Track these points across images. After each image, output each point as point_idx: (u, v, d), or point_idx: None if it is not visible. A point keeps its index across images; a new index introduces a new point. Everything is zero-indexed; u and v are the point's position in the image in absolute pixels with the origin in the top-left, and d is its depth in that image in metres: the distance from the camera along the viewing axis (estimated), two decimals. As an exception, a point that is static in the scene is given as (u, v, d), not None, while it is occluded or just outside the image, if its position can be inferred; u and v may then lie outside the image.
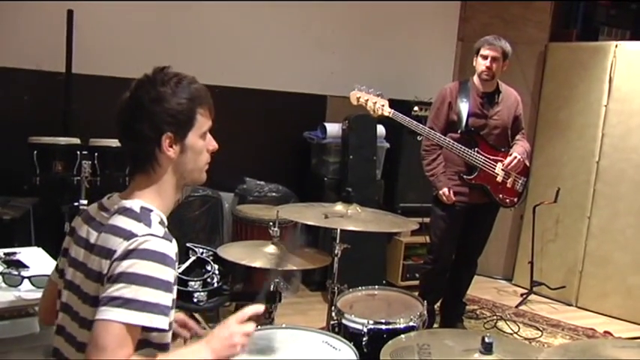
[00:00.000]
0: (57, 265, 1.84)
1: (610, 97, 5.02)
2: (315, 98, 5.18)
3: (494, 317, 4.68)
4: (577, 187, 5.18)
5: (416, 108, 5.00)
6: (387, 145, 5.05)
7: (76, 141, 3.76)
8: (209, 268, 3.50)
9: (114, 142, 3.60)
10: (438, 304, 4.38)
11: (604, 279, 5.08)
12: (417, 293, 4.29)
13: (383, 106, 3.65)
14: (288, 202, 4.70)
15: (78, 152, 3.65)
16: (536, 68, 5.59)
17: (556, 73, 5.43)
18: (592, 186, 5.11)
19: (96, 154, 3.68)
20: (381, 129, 4.95)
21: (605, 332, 4.66)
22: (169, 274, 1.56)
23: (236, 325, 1.73)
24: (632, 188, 4.92)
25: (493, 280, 5.65)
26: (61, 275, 1.76)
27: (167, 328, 1.57)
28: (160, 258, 1.55)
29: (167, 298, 1.55)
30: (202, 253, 3.57)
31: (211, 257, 3.56)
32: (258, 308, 1.80)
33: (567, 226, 5.27)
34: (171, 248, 1.59)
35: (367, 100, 3.65)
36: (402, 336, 2.32)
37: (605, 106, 5.04)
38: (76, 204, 3.41)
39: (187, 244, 3.83)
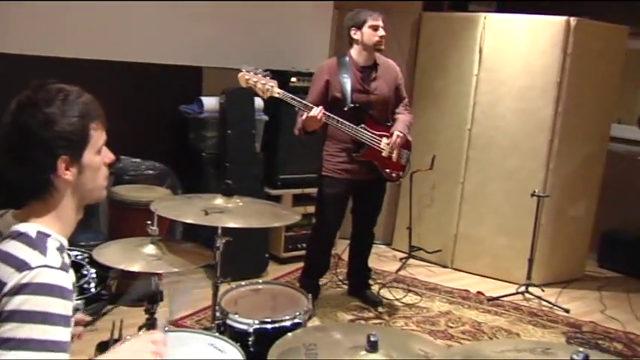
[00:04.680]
0: None
1: (480, 66, 5.20)
2: (190, 70, 4.99)
3: (377, 285, 4.81)
4: (451, 153, 5.36)
5: (294, 79, 4.94)
6: (266, 117, 4.99)
7: None
8: (85, 272, 3.31)
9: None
10: (346, 274, 4.64)
11: (476, 241, 5.33)
12: (302, 265, 4.47)
13: (272, 86, 3.62)
14: (165, 179, 4.58)
15: None
16: (411, 37, 5.67)
17: (430, 42, 5.55)
18: (465, 153, 5.31)
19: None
20: (259, 102, 4.87)
21: (478, 292, 4.91)
22: (68, 307, 1.45)
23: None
24: (501, 154, 5.16)
25: (374, 246, 5.74)
26: None
27: None
28: (56, 291, 1.43)
29: (66, 334, 1.45)
30: (77, 257, 3.39)
31: (87, 260, 3.38)
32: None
33: (443, 192, 5.47)
34: (67, 279, 1.48)
35: (256, 81, 3.61)
36: (290, 334, 2.31)
37: (476, 75, 5.22)
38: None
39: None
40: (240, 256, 4.23)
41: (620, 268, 5.79)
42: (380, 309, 4.41)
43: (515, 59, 5.08)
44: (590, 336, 4.32)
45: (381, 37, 3.93)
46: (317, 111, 3.72)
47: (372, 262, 5.20)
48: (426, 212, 5.56)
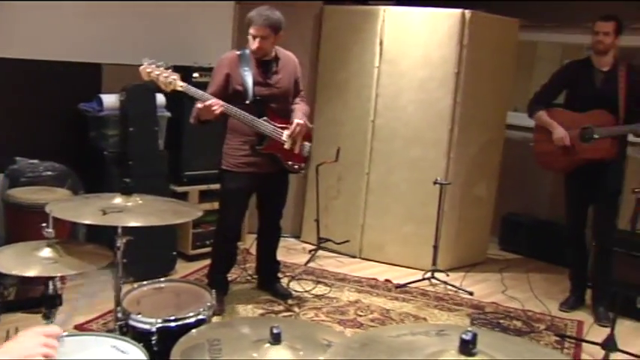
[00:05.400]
0: None
1: (381, 58, 5.30)
2: (88, 67, 4.85)
3: (286, 277, 4.83)
4: (355, 145, 5.44)
5: (196, 74, 4.88)
6: (169, 114, 4.91)
7: None
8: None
9: None
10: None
11: (383, 230, 5.44)
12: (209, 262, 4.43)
13: (175, 79, 3.58)
14: (66, 180, 4.42)
15: None
16: (313, 30, 5.71)
17: (332, 35, 5.60)
18: (369, 144, 5.40)
19: None
20: (160, 98, 4.78)
21: (386, 280, 5.02)
22: None
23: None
24: (404, 145, 5.28)
25: (283, 239, 5.72)
26: None
27: None
28: None
29: None
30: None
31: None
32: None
33: (348, 183, 5.55)
34: None
35: (158, 75, 3.56)
36: (194, 331, 2.30)
37: (378, 67, 5.31)
38: None
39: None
40: (147, 255, 4.17)
41: (520, 249, 6.04)
42: (290, 301, 4.44)
43: (414, 51, 5.21)
44: (492, 316, 4.49)
45: (256, 48, 3.91)
46: (212, 101, 3.69)
47: (282, 255, 5.22)
48: (333, 204, 5.62)
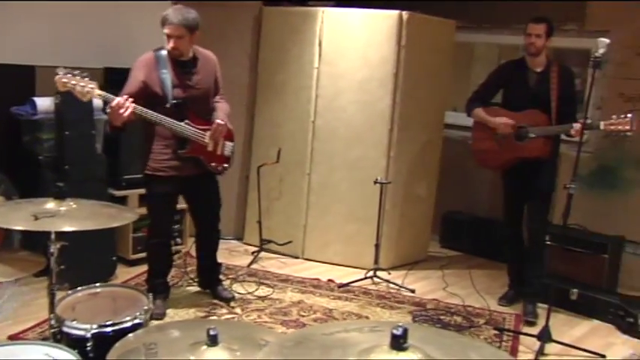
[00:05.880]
0: None
1: (321, 59, 5.33)
2: (21, 70, 4.73)
3: (229, 280, 4.81)
4: (296, 146, 5.46)
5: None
6: (105, 117, 4.81)
7: None
8: None
9: None
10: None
11: (325, 230, 5.47)
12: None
13: (93, 88, 3.47)
14: (-2, 187, 4.32)
15: None
16: (252, 31, 5.69)
17: (271, 36, 5.60)
18: (310, 145, 5.42)
19: None
20: (97, 101, 4.69)
21: (329, 280, 5.04)
22: None
23: None
24: (344, 145, 5.32)
25: (225, 242, 5.73)
26: None
27: None
28: None
29: None
30: None
31: None
32: None
33: (290, 184, 5.55)
34: None
35: (75, 85, 3.44)
36: (130, 335, 2.27)
37: (317, 68, 5.34)
38: None
39: None
40: (85, 260, 4.11)
41: (461, 247, 6.16)
42: (232, 304, 4.42)
43: (353, 52, 5.25)
44: (433, 312, 4.56)
45: (172, 47, 3.82)
46: (118, 101, 3.55)
47: (224, 258, 5.21)
48: (275, 205, 5.62)
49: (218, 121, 3.98)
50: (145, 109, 3.71)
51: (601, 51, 3.88)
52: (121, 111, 3.55)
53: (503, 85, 4.75)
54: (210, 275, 4.56)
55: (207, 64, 4.09)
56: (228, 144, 4.15)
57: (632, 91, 5.35)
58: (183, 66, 3.94)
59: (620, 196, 5.47)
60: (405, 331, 1.53)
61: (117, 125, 3.67)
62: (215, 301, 4.44)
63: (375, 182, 4.99)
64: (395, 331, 1.53)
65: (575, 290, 4.74)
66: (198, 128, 3.94)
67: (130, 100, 3.61)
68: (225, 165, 4.17)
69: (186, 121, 3.89)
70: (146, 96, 3.82)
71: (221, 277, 4.65)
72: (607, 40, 3.92)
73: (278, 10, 5.65)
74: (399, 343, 1.53)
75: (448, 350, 1.62)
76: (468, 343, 1.80)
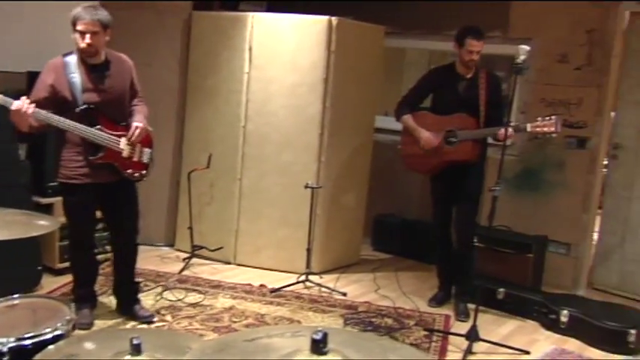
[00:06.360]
0: None
1: (251, 64, 5.32)
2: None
3: (159, 287, 4.75)
4: (227, 151, 5.43)
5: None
6: (30, 122, 4.69)
7: None
8: None
9: None
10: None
11: (257, 235, 5.46)
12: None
13: None
14: None
15: None
16: (182, 36, 5.64)
17: (201, 41, 5.56)
18: (240, 149, 5.40)
19: None
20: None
21: (261, 285, 5.03)
22: None
23: None
24: (275, 149, 5.32)
25: (156, 248, 5.70)
26: None
27: None
28: None
29: None
30: None
31: None
32: None
33: (221, 189, 5.52)
34: None
35: None
36: (51, 347, 2.21)
37: (247, 73, 5.33)
38: None
39: None
40: (7, 270, 3.99)
41: (392, 249, 6.25)
42: (163, 311, 4.36)
43: (283, 57, 5.26)
44: (364, 315, 4.61)
45: (87, 44, 3.65)
46: (17, 105, 3.41)
47: (155, 265, 5.16)
48: (207, 210, 5.58)
49: (136, 123, 3.86)
50: (49, 115, 3.58)
51: (522, 57, 4.01)
52: (22, 115, 3.42)
53: (432, 90, 4.83)
54: (126, 294, 4.30)
55: (122, 68, 3.95)
56: (146, 150, 4.02)
57: (552, 96, 5.56)
58: (95, 70, 3.79)
59: (543, 197, 5.67)
60: (325, 335, 1.55)
61: (24, 130, 3.55)
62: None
63: (306, 187, 5.02)
64: (315, 336, 1.54)
65: (501, 290, 4.88)
66: (111, 133, 3.81)
67: (32, 104, 3.48)
68: (144, 172, 4.03)
69: (99, 126, 3.75)
70: (56, 101, 3.69)
71: (138, 296, 4.36)
72: (527, 47, 4.06)
73: (208, 14, 5.62)
74: (319, 347, 1.54)
75: (368, 353, 1.65)
76: (388, 346, 1.83)
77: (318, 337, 1.54)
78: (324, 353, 1.55)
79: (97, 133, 3.74)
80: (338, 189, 5.50)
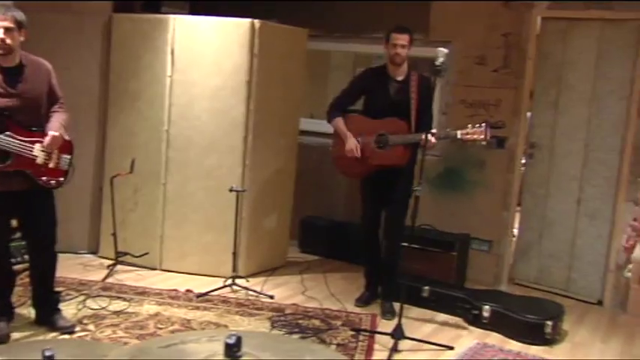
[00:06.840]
0: None
1: (173, 68, 5.26)
2: None
3: (82, 296, 4.64)
4: (151, 155, 5.35)
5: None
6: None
7: None
8: None
9: None
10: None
11: (183, 240, 5.40)
12: None
13: None
14: None
15: None
16: (103, 39, 5.53)
17: (122, 44, 5.46)
18: (164, 154, 5.33)
19: None
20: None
21: (187, 290, 4.98)
22: None
23: None
24: (199, 153, 5.28)
25: (79, 256, 5.56)
26: None
27: None
28: None
29: None
30: None
31: None
32: None
33: (145, 194, 5.44)
34: None
35: None
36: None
37: (170, 76, 5.27)
38: None
39: None
40: None
41: (319, 251, 6.29)
42: (85, 320, 4.25)
43: (206, 60, 5.23)
44: (292, 317, 4.62)
45: (1, 39, 3.52)
46: None
47: (78, 273, 5.04)
48: (131, 216, 5.48)
49: (52, 133, 3.74)
50: None
51: (440, 60, 4.11)
52: None
53: (364, 92, 4.86)
54: (46, 305, 4.14)
55: (38, 72, 3.82)
56: (65, 156, 3.90)
57: (472, 97, 5.72)
58: (7, 73, 3.66)
59: (464, 196, 5.82)
60: (239, 339, 1.55)
61: None
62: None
63: (231, 190, 5.00)
64: (228, 340, 1.55)
65: (426, 287, 4.99)
66: (24, 140, 3.68)
67: None
68: (61, 179, 3.90)
69: (8, 132, 3.63)
70: None
71: (59, 306, 4.23)
72: (446, 50, 4.17)
73: (129, 17, 5.53)
74: (232, 351, 1.55)
75: (284, 355, 1.66)
76: (305, 348, 1.85)
77: (232, 341, 1.54)
78: (238, 357, 1.55)
79: (6, 140, 3.62)
80: (264, 192, 5.50)
